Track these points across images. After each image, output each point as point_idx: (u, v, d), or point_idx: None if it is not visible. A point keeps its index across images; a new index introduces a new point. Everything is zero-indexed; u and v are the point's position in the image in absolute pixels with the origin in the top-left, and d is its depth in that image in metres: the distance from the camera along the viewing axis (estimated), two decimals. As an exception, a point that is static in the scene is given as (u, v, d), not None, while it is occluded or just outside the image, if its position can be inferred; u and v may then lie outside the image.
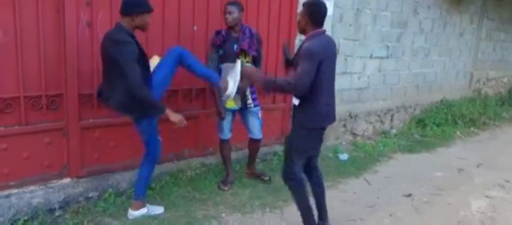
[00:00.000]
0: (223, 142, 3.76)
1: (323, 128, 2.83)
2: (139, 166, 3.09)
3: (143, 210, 3.11)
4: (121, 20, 2.72)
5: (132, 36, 2.72)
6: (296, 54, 2.81)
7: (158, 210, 3.19)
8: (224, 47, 3.50)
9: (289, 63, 3.00)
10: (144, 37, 3.42)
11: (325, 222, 3.01)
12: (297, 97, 2.72)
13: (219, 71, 3.52)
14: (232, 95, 3.21)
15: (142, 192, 3.10)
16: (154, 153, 3.04)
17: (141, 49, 2.77)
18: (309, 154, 2.86)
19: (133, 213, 3.08)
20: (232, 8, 3.42)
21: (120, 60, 2.60)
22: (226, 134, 3.73)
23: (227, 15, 3.44)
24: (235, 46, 3.49)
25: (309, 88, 2.58)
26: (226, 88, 3.17)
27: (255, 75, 2.87)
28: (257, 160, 4.14)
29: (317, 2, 2.72)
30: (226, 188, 3.71)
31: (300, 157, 2.80)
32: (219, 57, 3.53)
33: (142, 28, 2.79)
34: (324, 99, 2.70)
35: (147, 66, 2.85)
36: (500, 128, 7.34)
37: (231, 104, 3.57)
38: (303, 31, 2.79)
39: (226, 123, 3.68)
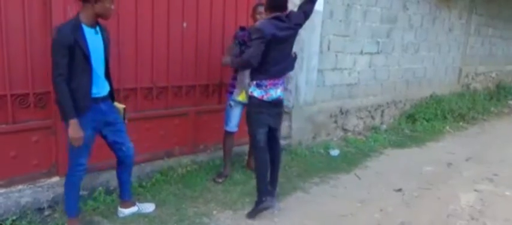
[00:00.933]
0: (227, 135, 3.79)
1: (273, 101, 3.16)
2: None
3: (133, 209, 3.09)
4: (81, 9, 2.54)
5: (79, 27, 2.48)
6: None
7: (149, 208, 3.16)
8: (247, 45, 3.49)
9: None
10: (134, 34, 3.39)
11: (273, 190, 3.31)
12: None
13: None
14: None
15: (127, 196, 3.09)
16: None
17: (95, 40, 2.58)
18: (265, 123, 3.18)
19: (123, 211, 3.06)
20: (263, 9, 3.38)
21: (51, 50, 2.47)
22: (233, 127, 3.76)
23: (258, 16, 3.52)
24: None
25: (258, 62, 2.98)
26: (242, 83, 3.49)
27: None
28: (246, 158, 4.14)
29: None
30: (220, 181, 3.74)
31: (258, 126, 3.17)
32: (240, 53, 3.53)
33: (104, 16, 2.59)
34: (266, 74, 3.08)
35: (92, 60, 2.57)
36: (488, 123, 7.43)
37: (243, 97, 3.61)
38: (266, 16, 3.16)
39: (235, 115, 3.72)
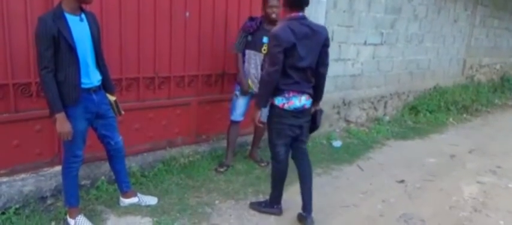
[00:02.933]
0: (233, 124, 3.80)
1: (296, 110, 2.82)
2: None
3: (134, 199, 3.09)
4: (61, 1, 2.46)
5: (62, 16, 2.39)
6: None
7: (151, 201, 3.15)
8: (254, 35, 3.58)
9: None
10: (136, 23, 3.37)
11: (308, 215, 2.93)
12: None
13: (243, 55, 3.68)
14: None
15: (126, 187, 3.08)
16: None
17: (79, 27, 2.49)
18: (287, 135, 2.88)
19: (123, 201, 3.08)
20: (278, 3, 3.43)
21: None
22: (238, 116, 3.77)
23: (274, 10, 3.49)
24: (265, 38, 3.50)
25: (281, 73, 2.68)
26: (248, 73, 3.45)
27: (253, 115, 2.96)
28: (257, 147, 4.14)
29: None
30: (221, 170, 3.76)
31: (278, 137, 2.89)
32: (247, 43, 3.62)
33: (86, 1, 2.52)
34: (292, 76, 2.75)
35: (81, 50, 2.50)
36: (492, 115, 7.40)
37: (250, 87, 3.67)
38: (283, 14, 2.85)
39: (240, 105, 3.74)
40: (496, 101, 8.31)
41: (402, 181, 3.93)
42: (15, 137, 2.94)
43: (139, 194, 3.15)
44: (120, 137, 2.92)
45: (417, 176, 4.10)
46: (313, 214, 2.96)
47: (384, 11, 5.74)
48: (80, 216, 2.79)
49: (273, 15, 3.50)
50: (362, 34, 5.50)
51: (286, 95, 2.77)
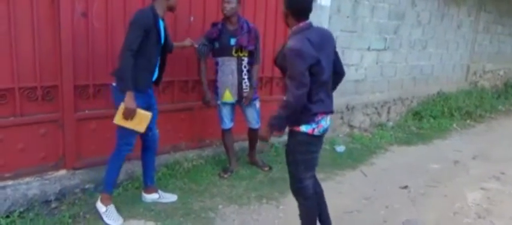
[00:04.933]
0: (224, 132, 3.81)
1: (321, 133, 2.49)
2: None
3: (155, 196, 3.21)
4: (155, 2, 2.83)
5: (155, 16, 2.76)
6: (279, 52, 2.50)
7: (171, 198, 3.26)
8: (220, 40, 3.50)
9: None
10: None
11: None
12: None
13: (216, 64, 3.60)
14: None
15: (150, 181, 3.23)
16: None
17: (163, 30, 2.88)
18: (315, 164, 2.56)
19: (145, 196, 3.23)
20: None
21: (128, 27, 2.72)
22: (227, 124, 3.77)
23: (225, 5, 3.43)
24: (232, 40, 3.49)
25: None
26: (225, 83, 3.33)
27: (264, 133, 2.49)
28: (255, 150, 4.15)
29: None
30: (225, 176, 3.76)
31: (306, 170, 2.49)
32: (214, 50, 3.57)
33: (173, 9, 2.94)
34: (317, 96, 2.39)
35: (162, 48, 2.93)
36: (496, 121, 7.37)
37: (228, 97, 3.63)
38: (287, 25, 2.51)
39: (226, 114, 3.73)
40: (500, 107, 8.28)
41: (406, 187, 3.92)
42: (20, 141, 2.97)
43: (160, 191, 3.25)
44: (157, 131, 3.13)
45: (421, 182, 4.09)
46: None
47: (387, 16, 5.75)
48: (111, 205, 2.93)
49: (224, 11, 3.44)
50: (365, 39, 5.51)
51: (316, 119, 2.39)
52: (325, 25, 4.76)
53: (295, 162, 2.48)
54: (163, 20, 2.88)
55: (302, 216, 2.59)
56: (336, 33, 5.00)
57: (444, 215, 3.41)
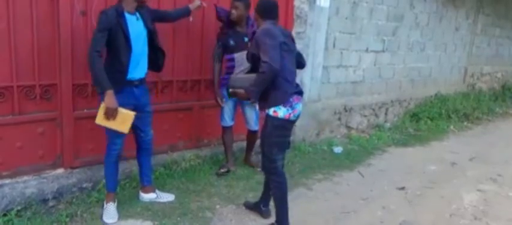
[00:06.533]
0: (224, 129, 3.82)
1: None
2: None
3: (152, 195, 3.22)
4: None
5: (120, 14, 2.70)
6: (251, 43, 2.85)
7: (168, 197, 3.27)
8: (234, 38, 3.56)
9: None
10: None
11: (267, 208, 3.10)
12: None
13: (232, 60, 3.62)
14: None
15: (146, 181, 3.23)
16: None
17: (135, 24, 2.78)
18: (287, 146, 2.83)
19: (143, 196, 3.24)
20: (238, 4, 3.47)
21: None
22: (227, 122, 3.79)
23: (233, 11, 3.50)
24: (245, 38, 3.56)
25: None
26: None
27: (240, 94, 2.83)
28: (252, 152, 4.16)
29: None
30: (222, 171, 3.80)
31: (279, 151, 2.77)
32: (230, 47, 3.57)
33: (141, 4, 2.86)
34: (289, 86, 2.69)
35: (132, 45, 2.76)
36: (493, 123, 7.40)
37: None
38: (258, 26, 2.87)
39: (227, 111, 3.75)
40: (497, 109, 8.31)
41: (403, 188, 3.94)
42: (18, 139, 2.96)
43: (157, 191, 3.26)
44: (152, 132, 3.12)
45: (418, 183, 4.11)
46: (314, 219, 2.97)
47: (385, 18, 5.77)
48: (111, 203, 2.96)
49: (231, 17, 3.52)
50: (364, 41, 5.52)
51: (292, 102, 2.69)
52: (324, 26, 4.79)
53: (270, 144, 2.74)
54: (137, 13, 2.81)
55: (274, 191, 2.86)
56: (334, 34, 5.03)
57: (441, 217, 3.42)
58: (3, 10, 2.74)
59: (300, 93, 2.80)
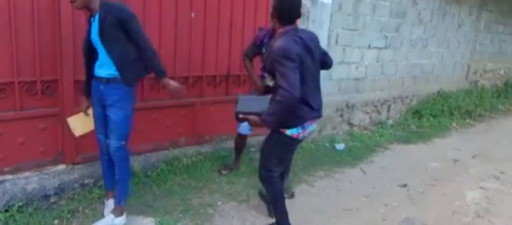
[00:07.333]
0: (240, 136, 3.72)
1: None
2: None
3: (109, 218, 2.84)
4: None
5: (89, 17, 2.63)
6: (267, 56, 2.50)
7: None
8: (267, 47, 3.26)
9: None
10: (141, 23, 3.37)
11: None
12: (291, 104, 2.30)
13: (262, 77, 3.43)
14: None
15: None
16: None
17: (92, 25, 2.60)
18: (287, 160, 2.71)
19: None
20: None
21: None
22: (246, 131, 3.63)
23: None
24: None
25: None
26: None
27: (255, 122, 2.44)
28: (253, 149, 4.14)
29: None
30: (224, 172, 3.76)
31: (279, 164, 2.62)
32: (260, 54, 3.43)
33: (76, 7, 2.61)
34: (307, 112, 2.44)
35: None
36: (495, 120, 7.37)
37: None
38: (274, 30, 2.61)
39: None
40: (500, 106, 8.28)
41: (405, 185, 3.93)
42: (19, 135, 2.96)
43: (119, 218, 2.85)
44: (112, 142, 2.72)
45: (420, 180, 4.09)
46: (316, 217, 2.96)
47: (388, 14, 5.74)
48: (111, 199, 2.94)
49: (274, 26, 3.15)
50: (366, 37, 5.49)
51: (304, 125, 2.48)
52: (326, 23, 4.76)
53: (270, 155, 2.59)
54: (93, 17, 2.57)
55: (270, 198, 2.77)
56: (337, 31, 5.00)
57: (443, 214, 3.41)
58: (5, 5, 2.73)
59: (319, 116, 2.57)
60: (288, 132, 2.46)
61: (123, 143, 2.71)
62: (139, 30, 2.59)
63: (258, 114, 2.38)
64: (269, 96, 2.45)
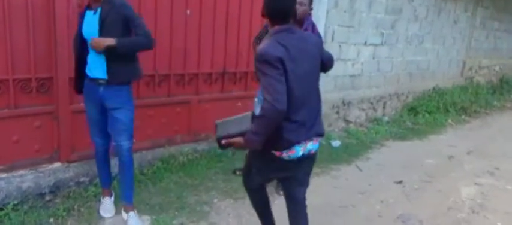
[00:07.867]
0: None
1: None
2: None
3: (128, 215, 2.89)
4: None
5: (84, 8, 2.60)
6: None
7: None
8: None
9: None
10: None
11: None
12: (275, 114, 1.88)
13: None
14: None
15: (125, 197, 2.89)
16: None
17: (87, 19, 2.56)
18: (271, 178, 2.53)
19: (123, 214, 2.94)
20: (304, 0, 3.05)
21: None
22: None
23: (297, 6, 2.75)
24: None
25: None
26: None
27: (241, 144, 2.03)
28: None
29: None
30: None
31: (258, 174, 2.30)
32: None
33: None
34: (294, 116, 1.99)
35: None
36: (491, 117, 7.41)
37: None
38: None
39: None
40: (495, 103, 8.32)
41: (400, 182, 3.94)
42: (14, 133, 2.94)
43: (133, 213, 2.90)
44: (124, 142, 2.73)
45: (415, 177, 4.11)
46: (311, 214, 2.95)
47: (384, 11, 5.74)
48: (107, 197, 2.96)
49: (299, 12, 2.93)
50: (362, 34, 5.50)
51: (289, 147, 2.03)
52: (322, 20, 4.75)
53: (254, 167, 2.29)
54: (94, 9, 2.52)
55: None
56: (333, 28, 5.00)
57: (438, 210, 3.43)
58: (-2, 2, 2.71)
59: (320, 134, 2.16)
60: (271, 149, 2.05)
61: (134, 142, 2.80)
62: (142, 23, 2.59)
63: (242, 135, 2.02)
64: (249, 113, 2.13)
